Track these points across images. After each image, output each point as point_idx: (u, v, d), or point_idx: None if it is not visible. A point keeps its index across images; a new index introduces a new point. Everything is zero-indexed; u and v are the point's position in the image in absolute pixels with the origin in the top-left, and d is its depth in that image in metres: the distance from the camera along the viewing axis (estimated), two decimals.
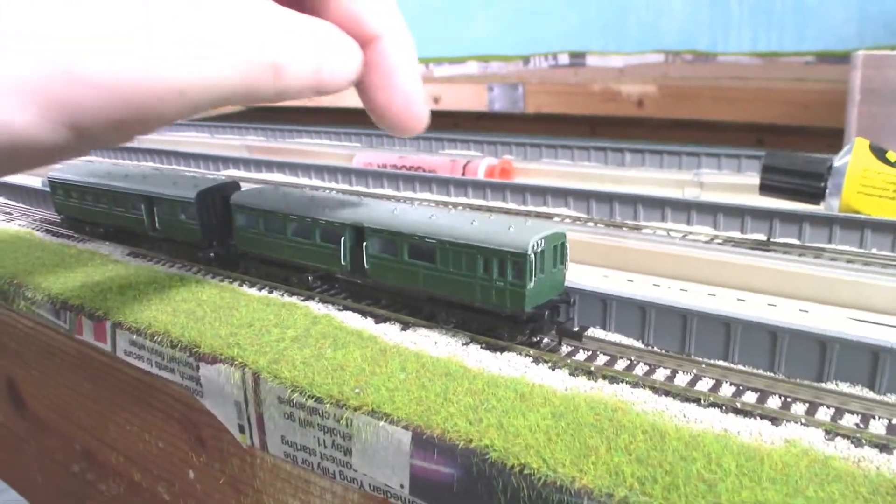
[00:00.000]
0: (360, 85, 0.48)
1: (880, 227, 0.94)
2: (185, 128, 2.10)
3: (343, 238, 0.81)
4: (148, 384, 0.83)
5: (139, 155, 1.75)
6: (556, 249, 0.73)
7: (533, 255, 0.69)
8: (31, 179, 1.44)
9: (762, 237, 0.99)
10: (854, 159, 0.99)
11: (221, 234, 0.96)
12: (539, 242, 0.70)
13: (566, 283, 0.76)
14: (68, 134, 0.30)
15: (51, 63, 0.29)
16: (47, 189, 1.21)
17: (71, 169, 1.17)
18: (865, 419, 0.59)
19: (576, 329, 0.73)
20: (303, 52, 0.40)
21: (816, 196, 1.04)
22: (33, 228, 1.23)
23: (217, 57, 0.34)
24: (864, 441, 0.56)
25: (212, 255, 0.97)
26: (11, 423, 1.13)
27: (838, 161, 1.02)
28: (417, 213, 0.78)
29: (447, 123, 2.85)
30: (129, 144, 1.84)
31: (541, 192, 1.17)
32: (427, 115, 0.50)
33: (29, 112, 0.29)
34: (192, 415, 0.79)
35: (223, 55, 0.34)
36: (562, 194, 1.15)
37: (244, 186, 1.00)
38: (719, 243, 0.96)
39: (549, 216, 1.11)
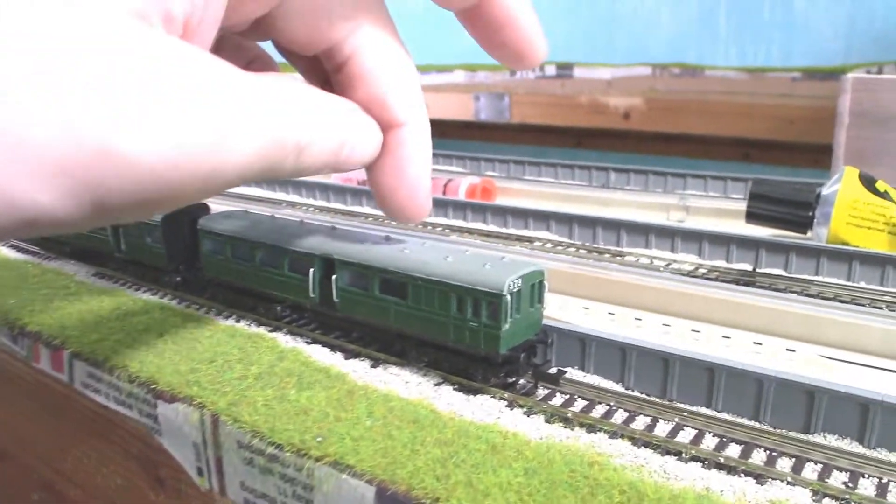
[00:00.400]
0: (370, 165, 0.47)
1: (868, 259, 0.92)
2: None
3: (312, 269, 0.78)
4: (106, 418, 0.79)
5: None
6: (534, 288, 0.70)
7: (508, 296, 0.65)
8: None
9: (748, 267, 0.97)
10: (843, 189, 0.97)
11: (189, 259, 0.93)
12: (515, 282, 0.66)
13: (544, 321, 0.73)
14: (90, 211, 0.29)
15: (84, 145, 0.27)
16: None
17: None
18: (854, 477, 0.56)
19: (553, 371, 0.70)
20: (326, 133, 0.38)
21: (804, 225, 1.01)
22: None
23: (247, 140, 0.33)
24: (853, 503, 0.53)
25: (178, 279, 0.93)
26: None
27: (827, 190, 1.00)
28: (390, 245, 0.75)
29: (433, 132, 2.82)
30: None
31: (522, 215, 1.14)
32: (430, 207, 0.49)
33: (55, 191, 0.28)
34: (151, 453, 0.75)
35: (253, 138, 0.33)
36: (544, 217, 1.12)
37: (219, 203, 0.96)
38: (704, 273, 0.93)
39: (530, 239, 1.08)
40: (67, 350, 0.80)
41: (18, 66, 0.27)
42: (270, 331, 0.82)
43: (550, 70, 2.52)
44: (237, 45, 0.49)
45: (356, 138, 0.42)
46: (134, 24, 0.30)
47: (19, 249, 1.14)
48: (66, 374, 0.81)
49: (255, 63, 0.50)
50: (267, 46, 0.50)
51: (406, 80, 0.46)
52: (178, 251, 0.93)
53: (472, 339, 0.68)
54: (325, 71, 0.48)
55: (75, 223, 0.30)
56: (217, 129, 0.31)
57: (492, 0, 0.45)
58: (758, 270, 0.95)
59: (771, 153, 2.22)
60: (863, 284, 0.91)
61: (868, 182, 0.97)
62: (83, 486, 0.87)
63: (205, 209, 0.95)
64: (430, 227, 1.14)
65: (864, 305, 0.83)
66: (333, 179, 1.46)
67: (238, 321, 0.85)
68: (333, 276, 0.77)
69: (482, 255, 0.72)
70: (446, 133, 2.81)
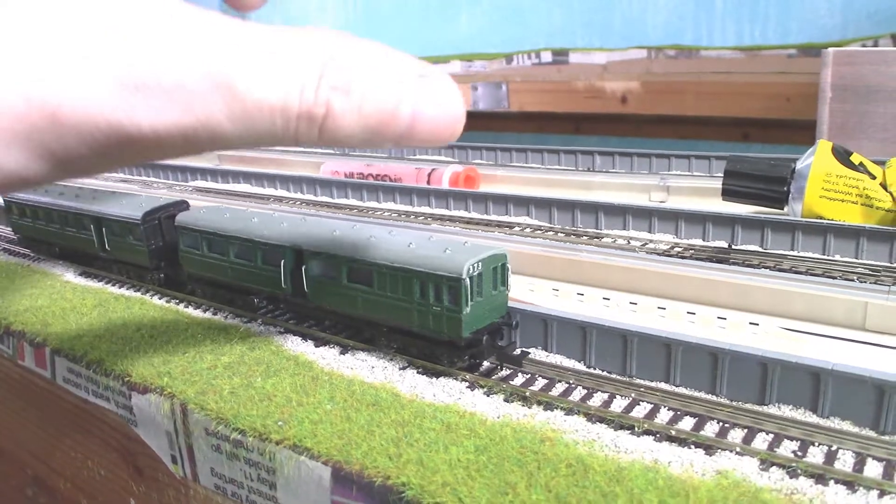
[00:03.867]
0: None
1: (842, 232, 0.92)
2: None
3: (283, 260, 0.79)
4: (87, 412, 0.81)
5: None
6: (496, 271, 0.70)
7: (468, 280, 0.66)
8: None
9: (724, 244, 0.97)
10: (816, 163, 0.97)
11: (170, 256, 0.94)
12: (475, 266, 0.67)
13: (509, 304, 0.74)
14: (54, 168, 0.31)
15: (34, 106, 0.29)
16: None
17: None
18: (804, 446, 0.57)
19: (516, 353, 0.71)
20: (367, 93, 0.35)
21: (780, 200, 1.01)
22: None
23: (215, 100, 0.32)
24: (799, 471, 0.54)
25: (161, 276, 0.95)
26: None
27: (801, 164, 1.00)
28: (356, 234, 0.76)
29: None
30: None
31: (503, 201, 1.15)
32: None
33: (17, 155, 0.30)
34: (129, 444, 0.77)
35: (222, 98, 0.32)
36: (524, 202, 1.13)
37: (209, 201, 0.98)
38: (680, 252, 0.93)
39: (510, 225, 1.08)
40: (49, 347, 0.82)
41: None
42: (245, 322, 0.83)
43: (546, 56, 2.52)
44: None
45: (416, 107, 0.37)
46: None
47: (8, 252, 1.16)
48: (48, 370, 0.83)
49: None
50: None
51: None
52: (159, 248, 0.94)
53: (435, 324, 0.69)
54: None
55: (43, 179, 0.32)
56: (171, 86, 0.31)
57: None
58: (734, 247, 0.96)
59: (770, 132, 2.21)
60: (837, 257, 0.91)
61: (842, 155, 0.97)
62: (72, 480, 0.89)
63: (185, 205, 0.97)
64: (412, 217, 1.15)
65: (835, 278, 0.83)
66: (322, 173, 1.48)
67: (215, 314, 0.86)
68: (303, 267, 0.78)
69: (444, 241, 0.73)
70: None
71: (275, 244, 0.80)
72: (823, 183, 0.96)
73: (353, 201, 1.29)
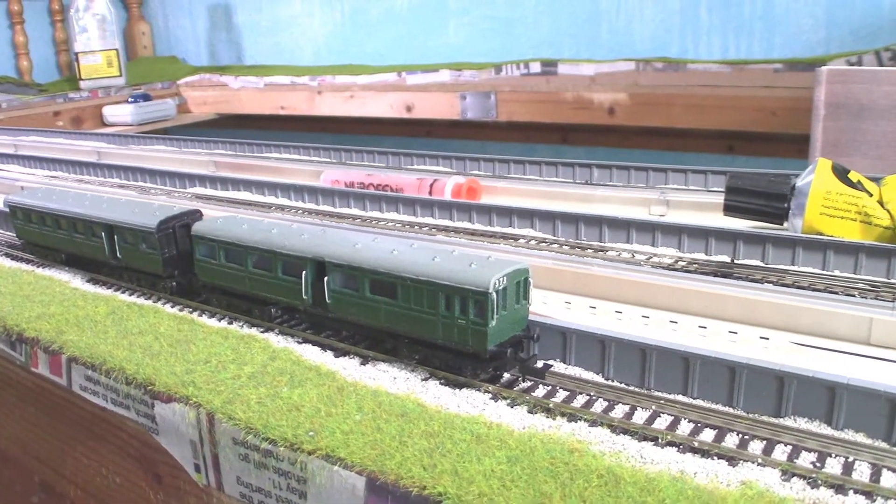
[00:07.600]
0: None
1: (842, 248, 0.94)
2: (153, 141, 2.08)
3: (304, 272, 0.80)
4: (104, 419, 0.81)
5: (104, 171, 1.72)
6: (519, 285, 0.72)
7: (494, 294, 0.68)
8: None
9: (726, 259, 0.99)
10: (816, 181, 1.00)
11: (183, 264, 0.95)
12: (501, 280, 0.69)
13: (530, 317, 0.75)
14: None
15: None
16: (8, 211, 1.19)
17: (31, 193, 1.15)
18: (822, 457, 0.59)
19: (539, 366, 0.72)
20: None
21: (780, 216, 1.04)
22: None
23: None
24: (819, 481, 0.56)
25: (174, 284, 0.95)
26: None
27: (801, 181, 1.02)
28: (379, 247, 0.78)
29: (420, 132, 2.85)
30: (93, 160, 1.81)
31: (507, 213, 1.16)
32: None
33: None
34: (149, 452, 0.78)
35: None
36: (528, 215, 1.15)
37: (209, 209, 0.98)
38: (684, 266, 0.95)
39: (515, 237, 1.10)
40: (65, 354, 0.83)
41: None
42: (262, 332, 0.84)
43: (535, 67, 2.54)
44: None
45: None
46: None
47: (14, 258, 1.16)
48: (64, 377, 0.83)
49: None
50: None
51: None
52: (173, 257, 0.95)
53: (460, 337, 0.71)
54: None
55: None
56: None
57: None
58: (736, 262, 0.98)
59: (754, 145, 2.26)
60: (837, 273, 0.93)
61: (840, 173, 1.00)
62: (83, 487, 0.90)
63: (198, 214, 0.97)
64: (416, 228, 1.16)
65: (836, 293, 0.86)
66: (322, 182, 1.49)
67: (231, 323, 0.87)
68: (325, 278, 0.79)
69: (469, 255, 0.74)
70: (433, 132, 2.84)
71: (296, 255, 0.81)
72: (823, 200, 0.99)
73: (355, 211, 1.31)
